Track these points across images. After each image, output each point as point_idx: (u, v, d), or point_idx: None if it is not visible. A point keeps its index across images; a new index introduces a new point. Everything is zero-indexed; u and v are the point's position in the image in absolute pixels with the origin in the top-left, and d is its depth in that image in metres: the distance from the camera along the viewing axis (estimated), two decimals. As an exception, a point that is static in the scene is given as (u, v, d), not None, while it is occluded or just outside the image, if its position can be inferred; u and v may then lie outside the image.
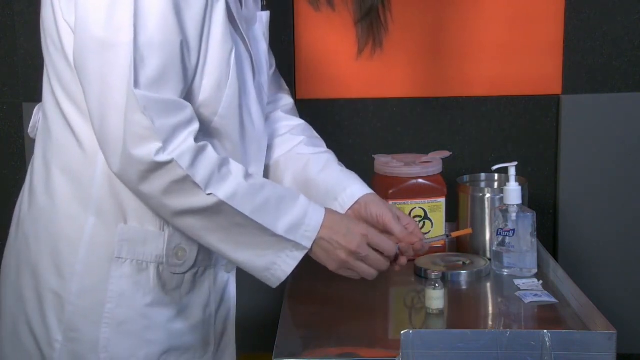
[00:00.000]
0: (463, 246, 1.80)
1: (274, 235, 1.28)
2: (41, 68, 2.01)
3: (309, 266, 1.63)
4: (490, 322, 1.49)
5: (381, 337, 1.46)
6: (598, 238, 2.09)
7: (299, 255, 1.30)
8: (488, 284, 1.64)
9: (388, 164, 1.77)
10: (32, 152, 2.06)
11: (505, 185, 1.67)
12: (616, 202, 2.07)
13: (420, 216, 1.75)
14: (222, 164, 1.25)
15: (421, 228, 1.75)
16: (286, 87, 1.62)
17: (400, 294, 1.63)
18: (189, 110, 1.23)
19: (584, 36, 2.03)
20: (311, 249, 1.32)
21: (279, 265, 1.30)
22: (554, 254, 2.08)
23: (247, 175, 1.28)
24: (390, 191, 1.74)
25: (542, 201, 2.09)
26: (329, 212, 1.34)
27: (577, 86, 2.05)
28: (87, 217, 1.30)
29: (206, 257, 1.37)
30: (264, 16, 1.46)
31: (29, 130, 1.42)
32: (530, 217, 1.65)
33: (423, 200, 1.75)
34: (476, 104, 2.08)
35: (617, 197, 2.07)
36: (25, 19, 2.04)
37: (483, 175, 1.89)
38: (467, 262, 1.68)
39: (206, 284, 1.38)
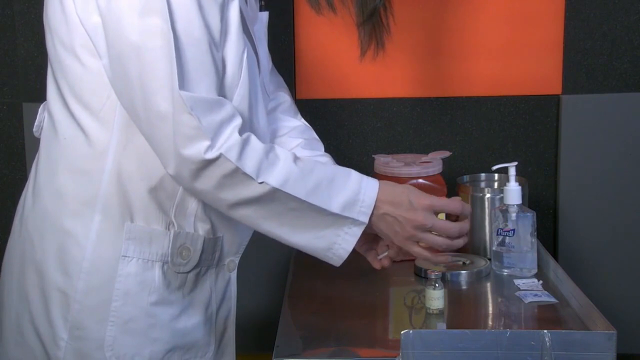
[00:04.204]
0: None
1: (331, 214, 1.28)
2: (41, 68, 2.02)
3: (309, 266, 1.63)
4: (490, 322, 1.49)
5: (381, 337, 1.46)
6: (598, 238, 2.09)
7: (357, 232, 1.31)
8: (488, 284, 1.64)
9: (388, 164, 1.77)
10: (32, 152, 2.07)
11: (505, 185, 1.67)
12: (616, 202, 2.07)
13: (420, 216, 1.74)
14: (269, 150, 1.27)
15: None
16: (284, 85, 1.63)
17: (400, 294, 1.63)
18: (229, 106, 1.24)
19: (584, 36, 2.03)
20: (373, 223, 1.32)
21: (339, 244, 1.31)
22: (554, 254, 2.08)
23: (296, 159, 1.29)
24: (390, 191, 1.73)
25: (542, 201, 2.09)
26: (384, 184, 1.34)
27: (577, 86, 2.05)
28: (93, 215, 1.30)
29: (209, 257, 1.37)
30: (264, 17, 1.47)
31: (34, 129, 1.41)
32: (530, 217, 1.65)
33: (423, 200, 1.74)
34: (476, 104, 2.08)
35: (617, 197, 2.07)
36: (25, 19, 2.04)
37: (483, 175, 1.89)
38: (467, 262, 1.69)
39: (207, 283, 1.38)
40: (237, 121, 1.24)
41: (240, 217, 1.28)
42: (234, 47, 1.28)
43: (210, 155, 1.20)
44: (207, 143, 1.20)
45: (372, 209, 1.31)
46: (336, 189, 1.30)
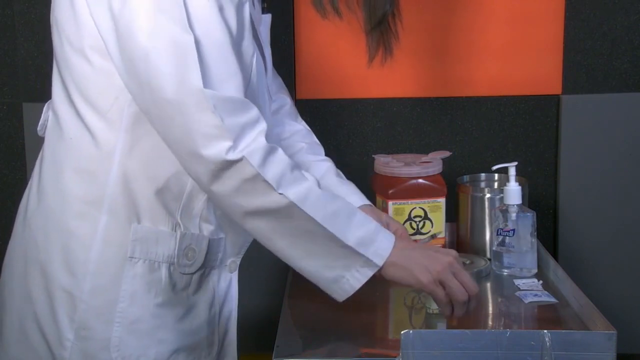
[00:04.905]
0: (463, 246, 1.80)
1: (345, 246, 1.26)
2: (41, 68, 2.03)
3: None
4: (490, 322, 1.49)
5: (381, 337, 1.46)
6: (598, 238, 2.09)
7: (368, 273, 1.28)
8: (488, 284, 1.64)
9: (388, 164, 1.77)
10: (32, 152, 2.07)
11: (505, 185, 1.67)
12: (616, 202, 2.07)
13: (420, 216, 1.75)
14: (294, 167, 1.25)
15: (421, 228, 1.75)
16: (284, 86, 1.63)
17: (400, 294, 1.62)
18: (255, 110, 1.23)
19: (584, 36, 2.03)
20: (393, 264, 1.28)
21: (347, 279, 1.28)
22: (554, 254, 2.08)
23: (320, 185, 1.27)
24: (390, 191, 1.74)
25: (542, 201, 2.09)
26: (400, 238, 1.33)
27: (577, 86, 2.05)
28: (99, 216, 1.29)
29: (213, 258, 1.38)
30: (267, 19, 1.47)
31: (38, 128, 1.41)
32: (530, 217, 1.65)
33: (423, 200, 1.75)
34: (476, 104, 2.08)
35: (617, 197, 2.07)
36: (25, 19, 2.04)
37: (483, 175, 1.89)
38: (467, 262, 1.69)
39: (210, 284, 1.39)
40: (262, 126, 1.23)
41: (254, 228, 1.26)
42: (246, 49, 1.28)
43: (232, 156, 1.19)
44: (228, 143, 1.18)
45: (388, 253, 1.28)
46: (355, 223, 1.27)
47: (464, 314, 1.32)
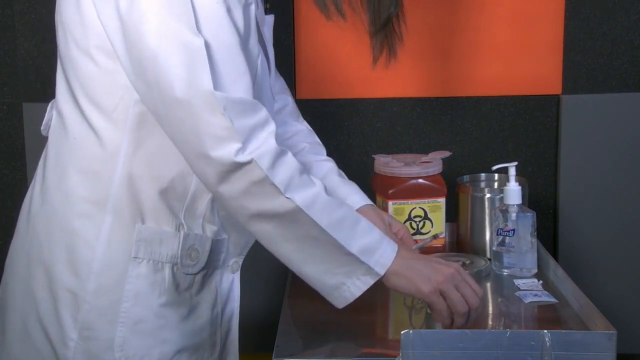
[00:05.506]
0: (463, 246, 1.80)
1: (348, 254, 1.25)
2: (41, 68, 2.03)
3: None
4: (490, 322, 1.49)
5: (381, 337, 1.46)
6: (598, 238, 2.09)
7: (369, 281, 1.27)
8: (488, 284, 1.64)
9: (388, 164, 1.77)
10: (32, 152, 2.07)
11: (505, 185, 1.67)
12: (616, 202, 2.07)
13: (420, 216, 1.75)
14: (303, 171, 1.24)
15: (421, 228, 1.75)
16: (286, 86, 1.63)
17: (400, 294, 1.62)
18: (264, 111, 1.23)
19: (584, 36, 2.03)
20: (395, 272, 1.28)
21: (347, 287, 1.28)
22: (554, 254, 2.08)
23: (327, 190, 1.27)
24: (390, 191, 1.74)
25: (542, 201, 2.09)
26: (403, 246, 1.33)
27: (577, 86, 2.05)
28: (104, 216, 1.29)
29: (215, 258, 1.38)
30: (270, 19, 1.47)
31: (42, 127, 1.40)
32: (530, 217, 1.65)
33: (423, 200, 1.75)
34: (476, 104, 2.08)
35: (617, 197, 2.07)
36: (25, 19, 2.04)
37: (483, 175, 1.89)
38: (467, 262, 1.69)
39: (213, 284, 1.39)
40: (272, 127, 1.22)
41: (258, 231, 1.26)
42: (252, 50, 1.28)
43: (241, 158, 1.18)
44: (237, 145, 1.18)
45: (390, 262, 1.28)
46: (359, 231, 1.27)
47: (463, 325, 1.32)
